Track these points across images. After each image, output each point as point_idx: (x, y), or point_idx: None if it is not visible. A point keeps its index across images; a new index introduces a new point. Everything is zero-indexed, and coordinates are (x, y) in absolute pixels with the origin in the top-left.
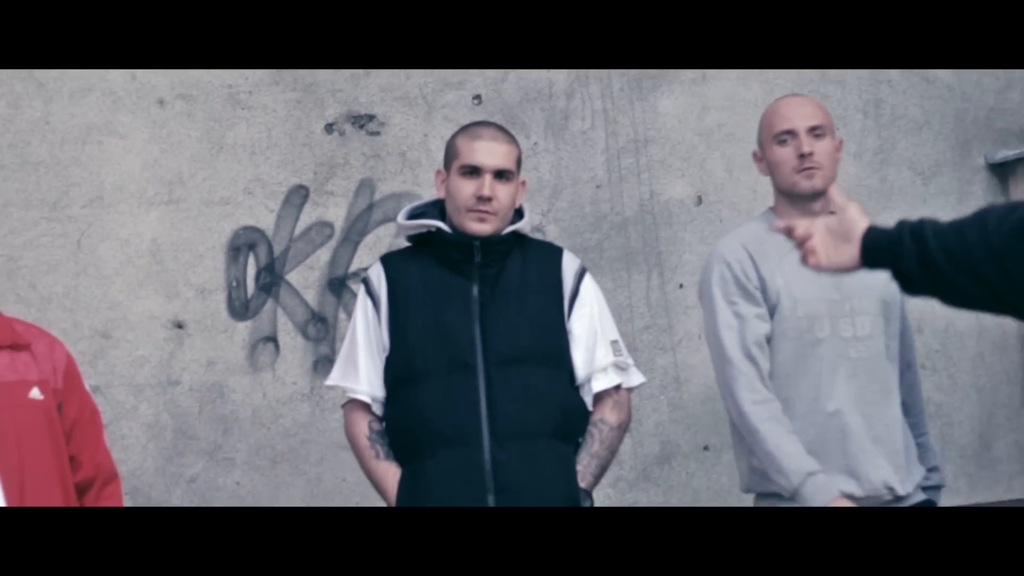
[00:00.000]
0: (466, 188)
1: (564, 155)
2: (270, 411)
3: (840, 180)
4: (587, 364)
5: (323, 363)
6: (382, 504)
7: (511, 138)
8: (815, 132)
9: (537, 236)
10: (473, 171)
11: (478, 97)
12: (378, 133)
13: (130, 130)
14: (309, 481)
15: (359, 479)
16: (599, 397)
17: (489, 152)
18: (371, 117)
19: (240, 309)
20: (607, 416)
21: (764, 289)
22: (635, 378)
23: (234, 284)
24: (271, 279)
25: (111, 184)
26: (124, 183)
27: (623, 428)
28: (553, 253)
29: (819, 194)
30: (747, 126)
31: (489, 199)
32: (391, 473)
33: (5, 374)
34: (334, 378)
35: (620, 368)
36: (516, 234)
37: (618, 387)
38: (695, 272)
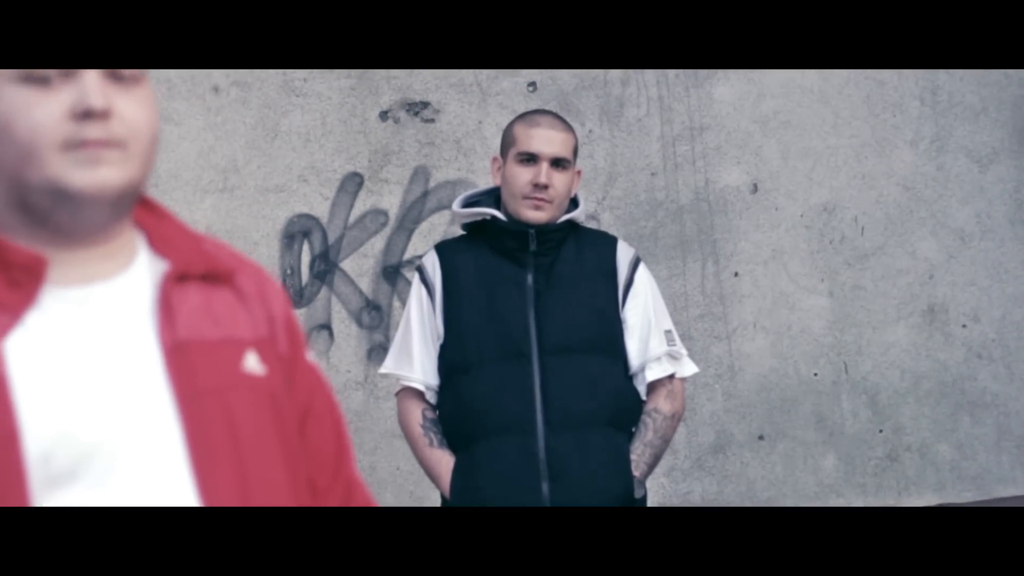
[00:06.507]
0: (523, 175)
1: (619, 142)
2: None
3: (896, 167)
4: (641, 353)
5: (377, 351)
6: (435, 492)
7: (568, 127)
8: None
9: (592, 224)
10: (530, 159)
11: (533, 84)
12: (433, 120)
13: (185, 117)
14: (363, 469)
15: (413, 467)
16: (652, 386)
17: (547, 140)
18: (426, 104)
19: (294, 297)
20: (660, 405)
21: None
22: (688, 368)
23: (288, 272)
24: (325, 267)
25: (166, 171)
26: (179, 170)
27: (677, 418)
28: (607, 242)
29: None
30: (803, 113)
31: (545, 187)
32: (444, 461)
33: (202, 325)
34: (388, 366)
35: (673, 357)
36: (571, 223)
37: (671, 376)
38: (750, 260)
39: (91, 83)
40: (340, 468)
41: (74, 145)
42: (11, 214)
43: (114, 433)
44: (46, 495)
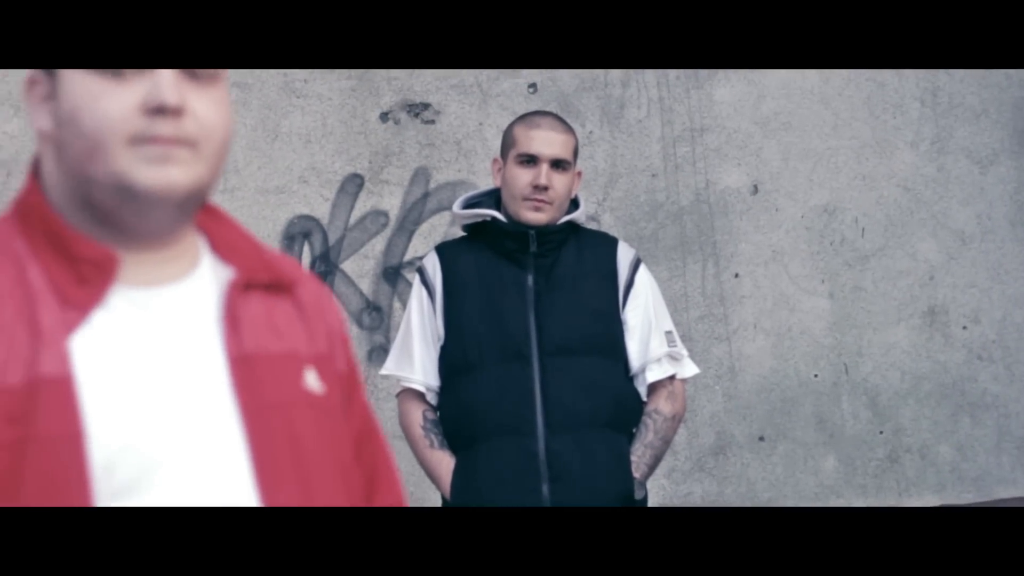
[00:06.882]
0: (523, 177)
1: (619, 144)
2: None
3: (897, 168)
4: (641, 354)
5: (378, 352)
6: (436, 493)
7: (568, 128)
8: None
9: (592, 225)
10: (530, 160)
11: (533, 86)
12: (433, 121)
13: None
14: None
15: (413, 468)
16: (653, 388)
17: (547, 141)
18: (426, 105)
19: None
20: (661, 407)
21: None
22: (689, 369)
23: None
24: (326, 268)
25: None
26: None
27: (677, 419)
28: (608, 243)
29: None
30: (803, 114)
31: (546, 188)
32: (445, 462)
33: (263, 337)
34: (388, 367)
35: (674, 359)
36: (571, 224)
37: (672, 377)
38: (750, 261)
39: (165, 78)
40: (390, 491)
41: (143, 140)
42: (75, 212)
43: (179, 445)
44: (109, 505)
